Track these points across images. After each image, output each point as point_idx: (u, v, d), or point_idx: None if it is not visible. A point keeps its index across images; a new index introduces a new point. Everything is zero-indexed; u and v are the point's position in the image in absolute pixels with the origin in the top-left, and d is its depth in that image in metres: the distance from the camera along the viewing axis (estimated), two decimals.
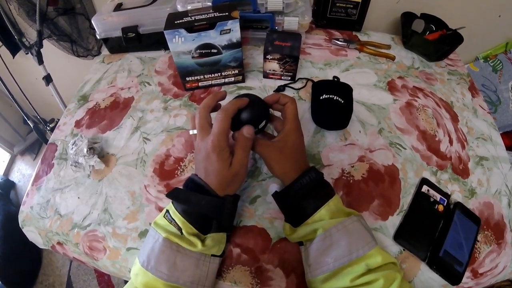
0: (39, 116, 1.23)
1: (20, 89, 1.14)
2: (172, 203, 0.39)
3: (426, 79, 0.69)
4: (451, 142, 0.58)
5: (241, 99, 0.42)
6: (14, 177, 1.66)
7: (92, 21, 0.70)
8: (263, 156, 0.43)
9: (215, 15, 0.54)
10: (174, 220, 0.37)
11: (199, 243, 0.37)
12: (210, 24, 0.53)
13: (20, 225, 0.54)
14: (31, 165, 1.69)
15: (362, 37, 0.78)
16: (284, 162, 0.42)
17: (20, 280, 1.24)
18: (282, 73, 0.65)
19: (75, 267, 1.31)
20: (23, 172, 1.68)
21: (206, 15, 0.55)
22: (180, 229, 0.37)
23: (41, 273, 1.31)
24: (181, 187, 0.41)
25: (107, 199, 0.52)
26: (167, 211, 0.39)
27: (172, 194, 0.38)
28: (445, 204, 0.49)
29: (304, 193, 0.39)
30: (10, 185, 1.58)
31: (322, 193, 0.40)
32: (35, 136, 1.66)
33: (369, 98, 0.64)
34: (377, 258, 0.35)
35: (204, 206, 0.37)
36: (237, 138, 0.40)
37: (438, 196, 0.50)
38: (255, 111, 0.42)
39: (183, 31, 0.53)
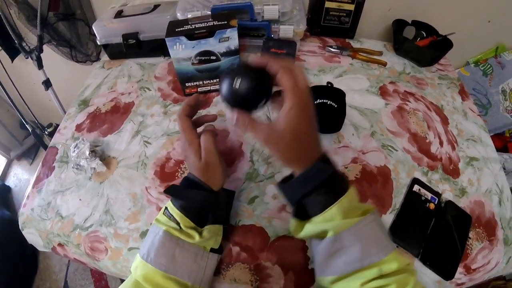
0: (37, 121, 1.23)
1: (19, 93, 1.14)
2: (171, 200, 0.41)
3: (417, 84, 0.72)
4: (441, 143, 0.61)
5: (193, 99, 0.46)
6: (11, 182, 1.65)
7: (93, 27, 0.72)
8: (262, 143, 0.37)
9: (215, 23, 0.57)
10: (173, 216, 0.39)
11: (196, 235, 0.39)
12: (209, 32, 0.55)
13: (20, 227, 0.55)
14: (28, 170, 1.69)
15: (355, 44, 0.80)
16: (284, 150, 0.34)
17: (16, 285, 1.23)
18: None
19: (72, 271, 1.30)
20: (20, 177, 1.67)
21: (205, 23, 0.57)
22: (178, 223, 0.39)
23: (37, 278, 1.30)
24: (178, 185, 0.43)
25: (108, 201, 0.53)
26: (166, 208, 0.41)
27: (169, 190, 0.40)
28: (436, 203, 0.51)
29: (311, 190, 0.34)
30: (6, 190, 1.57)
31: (334, 189, 0.34)
32: (32, 141, 1.66)
33: (362, 103, 0.66)
34: (392, 264, 0.32)
35: (199, 200, 0.40)
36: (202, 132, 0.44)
37: (429, 195, 0.52)
38: (253, 87, 0.34)
39: (183, 38, 0.55)
